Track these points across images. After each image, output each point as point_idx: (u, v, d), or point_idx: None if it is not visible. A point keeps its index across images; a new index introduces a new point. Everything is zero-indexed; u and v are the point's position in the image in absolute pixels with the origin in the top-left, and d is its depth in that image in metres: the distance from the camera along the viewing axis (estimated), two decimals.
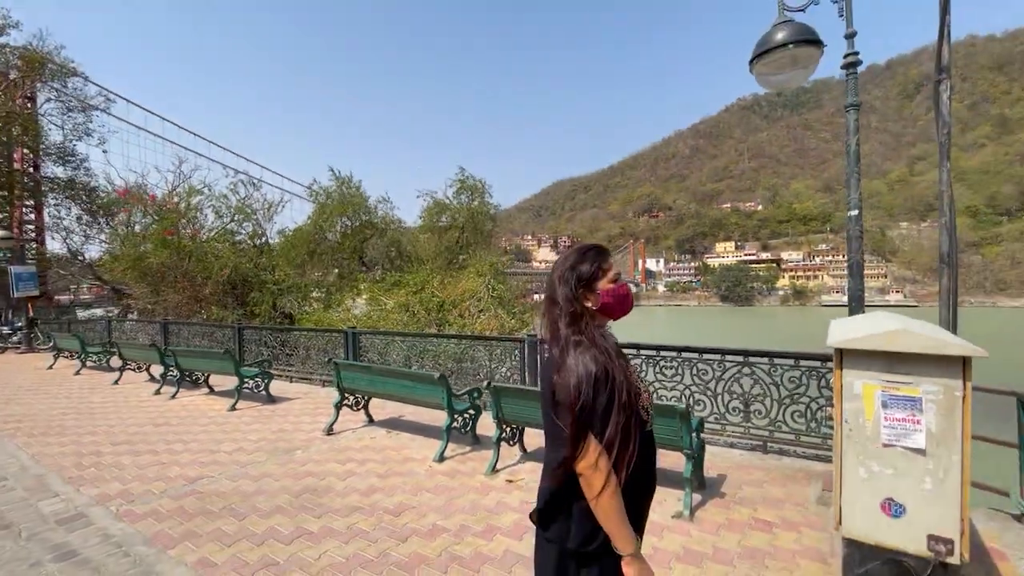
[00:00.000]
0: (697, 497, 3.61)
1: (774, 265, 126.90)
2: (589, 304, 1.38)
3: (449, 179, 18.80)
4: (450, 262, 17.71)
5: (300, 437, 5.34)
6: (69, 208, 22.42)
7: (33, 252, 22.36)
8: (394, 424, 5.75)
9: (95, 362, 10.19)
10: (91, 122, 22.37)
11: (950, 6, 3.13)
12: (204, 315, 14.11)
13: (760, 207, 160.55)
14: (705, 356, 5.00)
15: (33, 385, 8.80)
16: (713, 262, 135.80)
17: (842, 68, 3.54)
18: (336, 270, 18.61)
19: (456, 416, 4.76)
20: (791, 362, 4.59)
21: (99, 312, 23.05)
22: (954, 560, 2.03)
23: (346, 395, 5.61)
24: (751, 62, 3.66)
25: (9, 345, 14.74)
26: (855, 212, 3.55)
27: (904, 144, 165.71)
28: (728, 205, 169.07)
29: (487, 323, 11.71)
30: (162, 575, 2.75)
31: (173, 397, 7.37)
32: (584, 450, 1.24)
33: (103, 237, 21.90)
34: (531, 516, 1.41)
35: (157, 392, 7.69)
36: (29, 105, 21.17)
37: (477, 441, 5.01)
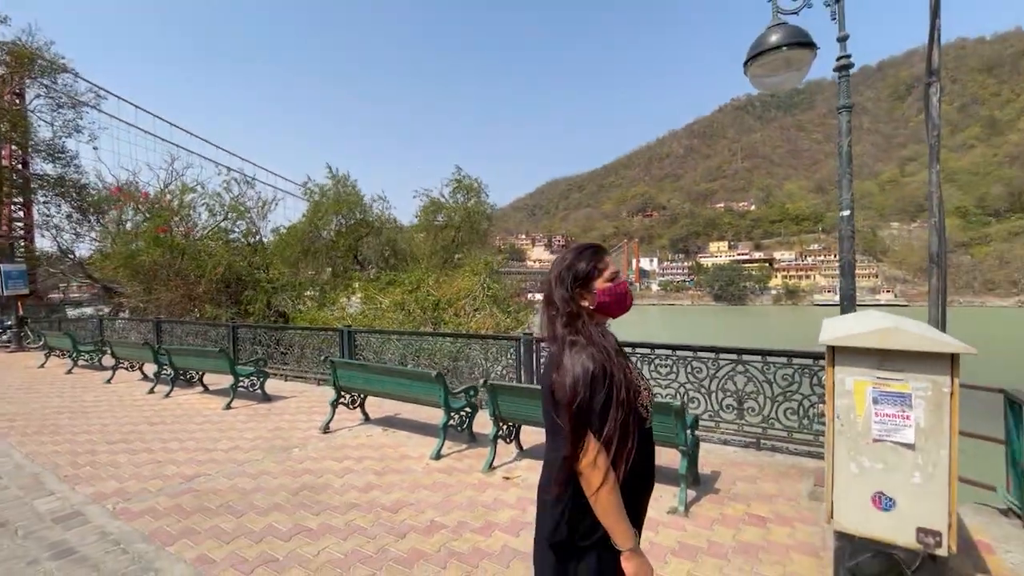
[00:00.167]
0: (692, 493, 3.66)
1: (767, 265, 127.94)
2: (586, 303, 1.39)
3: (445, 178, 18.81)
4: (446, 261, 17.71)
5: (297, 435, 5.34)
6: (59, 205, 22.13)
7: (22, 250, 22.09)
8: (390, 422, 5.76)
9: (87, 361, 10.11)
10: (81, 119, 22.11)
11: (940, 10, 3.19)
12: (198, 314, 14.02)
13: (753, 207, 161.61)
14: (699, 354, 5.06)
15: (24, 384, 8.72)
16: (706, 261, 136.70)
17: (835, 71, 3.59)
18: (330, 269, 18.56)
19: (453, 414, 4.78)
20: (784, 360, 4.66)
21: (89, 311, 22.82)
22: (942, 552, 2.08)
23: (342, 393, 5.62)
24: (746, 64, 3.71)
25: None
26: (847, 213, 3.61)
27: (895, 145, 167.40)
28: (722, 205, 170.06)
29: (482, 322, 11.73)
30: (161, 572, 2.75)
31: (167, 396, 7.33)
32: (583, 448, 1.26)
33: (94, 235, 21.69)
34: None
35: (151, 391, 7.64)
36: (18, 101, 20.87)
37: (473, 439, 5.03)
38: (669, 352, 5.21)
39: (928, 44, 3.26)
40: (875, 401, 2.19)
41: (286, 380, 8.59)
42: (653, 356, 5.28)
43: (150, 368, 8.49)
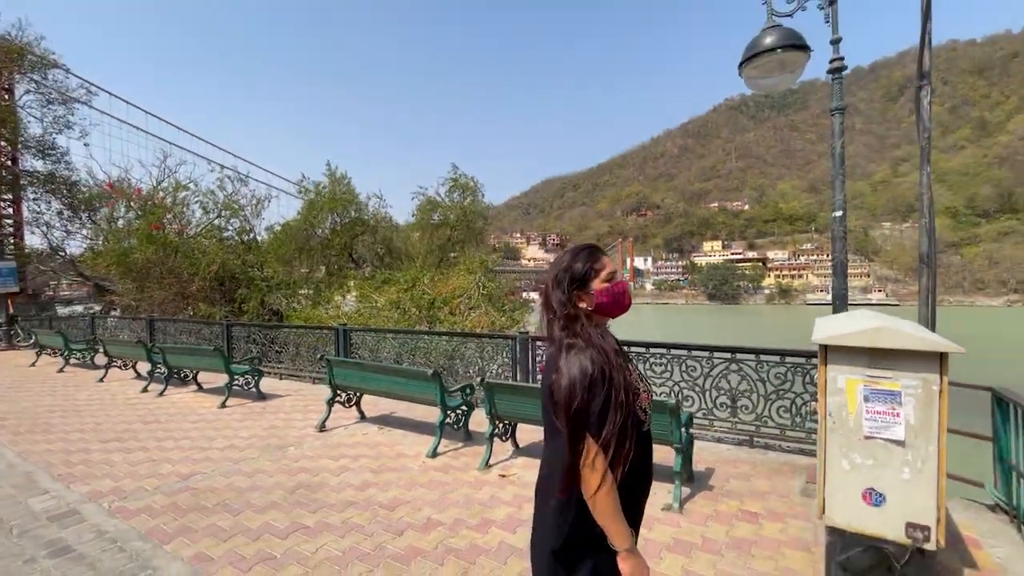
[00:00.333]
0: (686, 490, 3.70)
1: (760, 264, 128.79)
2: (583, 305, 1.38)
3: (441, 177, 18.76)
4: (441, 259, 17.68)
5: (292, 434, 5.34)
6: (49, 202, 21.91)
7: (12, 247, 21.84)
8: (386, 421, 5.77)
9: (79, 359, 10.02)
10: (72, 115, 21.87)
11: (931, 13, 3.24)
12: (191, 312, 13.93)
13: (747, 207, 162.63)
14: (694, 353, 5.10)
15: (15, 383, 8.64)
16: (700, 261, 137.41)
17: (828, 73, 3.63)
18: (324, 267, 18.47)
19: (449, 412, 4.80)
20: (777, 359, 4.71)
21: (79, 309, 22.61)
22: (931, 546, 2.13)
23: (338, 392, 5.62)
24: (741, 66, 3.74)
25: None
26: (839, 213, 3.65)
27: (888, 146, 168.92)
28: (715, 204, 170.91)
29: (477, 320, 11.73)
30: (159, 570, 2.76)
31: (161, 394, 7.30)
32: (582, 450, 1.26)
33: (85, 232, 21.47)
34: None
35: (144, 390, 7.60)
36: (7, 97, 20.62)
37: (469, 437, 5.05)
38: (664, 351, 5.25)
39: (919, 48, 3.31)
40: (866, 399, 2.23)
41: (281, 379, 8.57)
42: (648, 355, 5.32)
43: (143, 367, 8.45)
